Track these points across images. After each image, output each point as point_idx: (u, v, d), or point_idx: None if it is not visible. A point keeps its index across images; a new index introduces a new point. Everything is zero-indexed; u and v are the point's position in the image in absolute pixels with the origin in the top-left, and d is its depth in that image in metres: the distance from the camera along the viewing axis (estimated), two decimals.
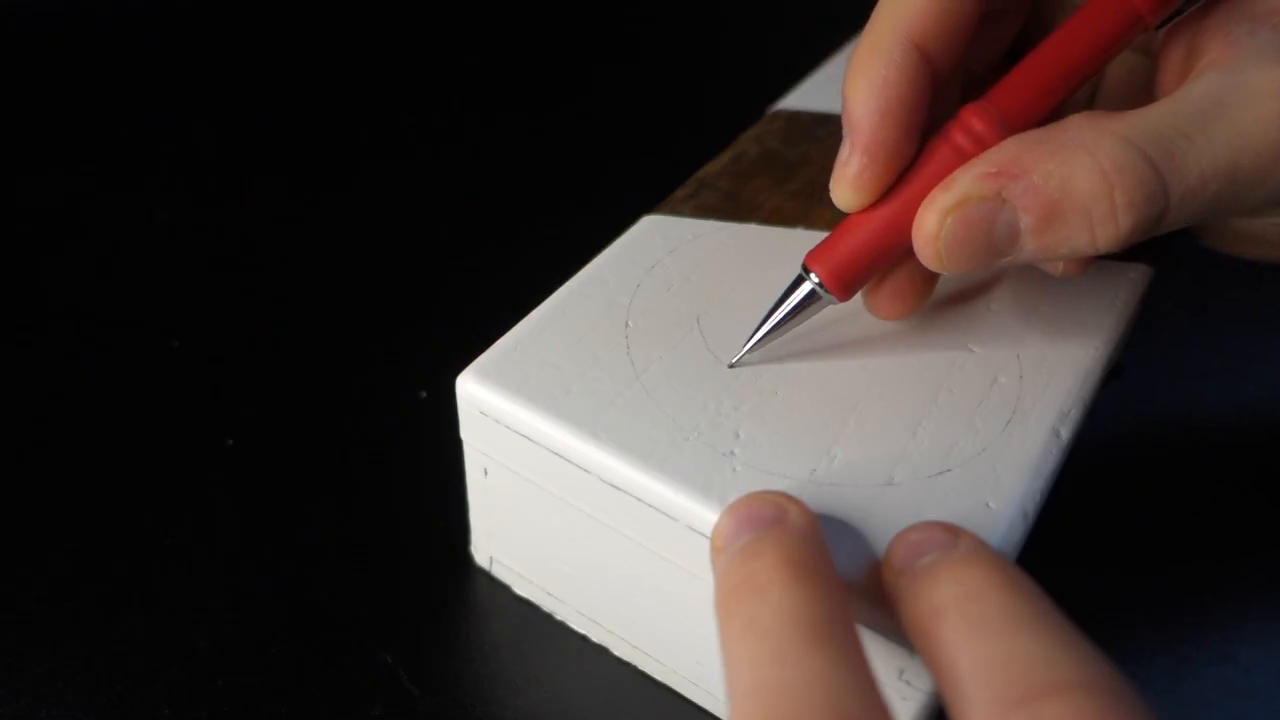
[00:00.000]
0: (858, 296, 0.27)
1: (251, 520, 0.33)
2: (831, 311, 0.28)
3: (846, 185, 0.25)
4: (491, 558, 0.31)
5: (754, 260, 0.30)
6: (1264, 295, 0.44)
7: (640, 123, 0.51)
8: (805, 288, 0.26)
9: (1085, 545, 0.33)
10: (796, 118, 0.36)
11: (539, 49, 0.56)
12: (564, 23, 0.58)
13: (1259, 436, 0.38)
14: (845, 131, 0.25)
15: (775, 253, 0.30)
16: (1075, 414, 0.26)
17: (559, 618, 0.30)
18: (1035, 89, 0.25)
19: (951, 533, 0.21)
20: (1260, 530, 0.35)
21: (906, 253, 0.25)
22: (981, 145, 0.24)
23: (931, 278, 0.27)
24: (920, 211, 0.24)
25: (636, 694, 0.29)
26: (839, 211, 0.31)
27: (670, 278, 0.29)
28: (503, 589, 0.31)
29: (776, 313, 0.26)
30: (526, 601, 0.31)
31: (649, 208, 0.31)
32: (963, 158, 0.24)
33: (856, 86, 0.25)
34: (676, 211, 0.31)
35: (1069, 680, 0.17)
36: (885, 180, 0.25)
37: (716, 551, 0.22)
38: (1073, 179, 0.23)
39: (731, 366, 0.27)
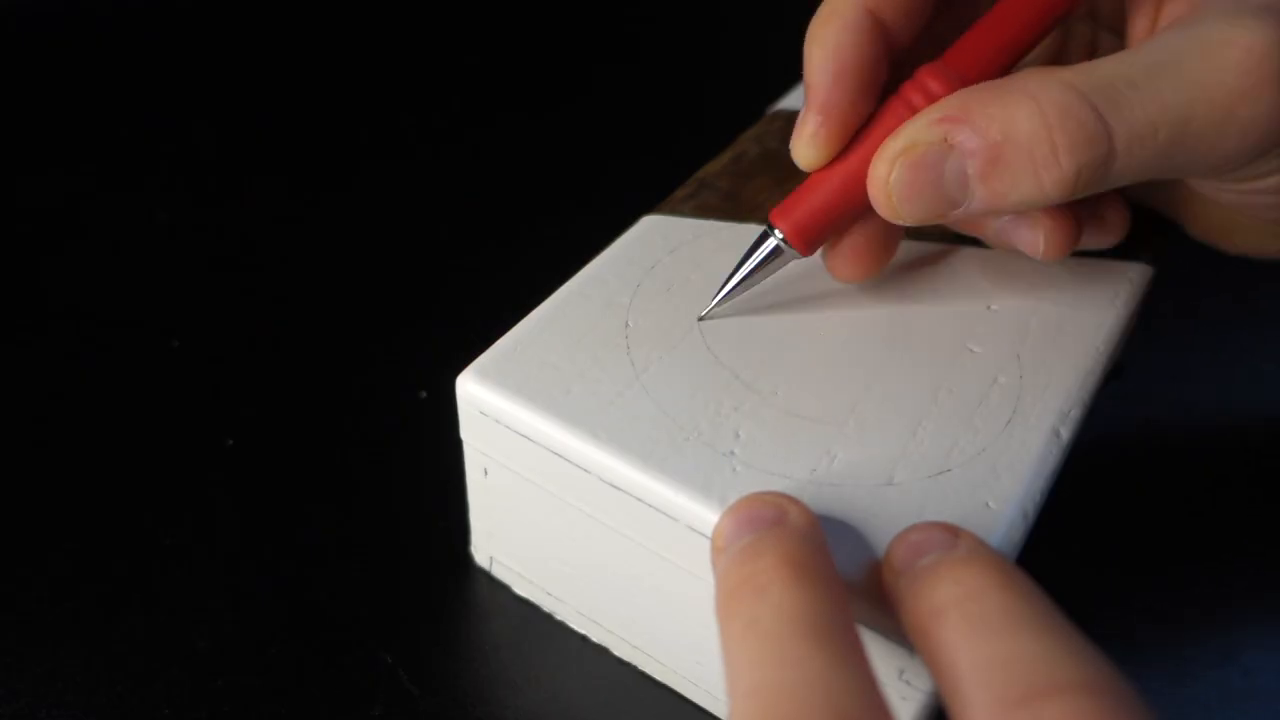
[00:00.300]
0: (848, 292, 0.28)
1: (251, 520, 0.33)
2: (831, 312, 0.28)
3: (804, 143, 0.26)
4: (491, 558, 0.31)
5: None
6: (1264, 295, 0.44)
7: (640, 123, 0.51)
8: (769, 243, 0.27)
9: (1085, 545, 0.33)
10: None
11: (539, 49, 0.56)
12: (564, 23, 0.58)
13: (1259, 436, 0.38)
14: (804, 94, 0.26)
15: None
16: (1075, 414, 0.26)
17: (559, 618, 0.30)
18: (989, 46, 0.26)
19: (951, 533, 0.21)
20: (1261, 530, 0.35)
21: (865, 209, 0.26)
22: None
23: (890, 241, 0.28)
24: (873, 160, 0.25)
25: (636, 694, 0.29)
26: None
27: (670, 278, 0.29)
28: (503, 589, 0.31)
29: (742, 268, 0.27)
30: (526, 601, 0.31)
31: (649, 208, 0.31)
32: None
33: (812, 50, 0.26)
34: (677, 211, 0.31)
35: (1069, 681, 0.17)
36: (840, 138, 0.26)
37: (717, 552, 0.22)
38: (1013, 122, 0.23)
39: (701, 320, 0.28)
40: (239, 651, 0.29)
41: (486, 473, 0.28)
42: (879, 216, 0.25)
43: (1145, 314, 0.32)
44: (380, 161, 0.48)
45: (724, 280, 0.27)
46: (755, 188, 0.32)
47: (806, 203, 0.26)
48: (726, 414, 0.25)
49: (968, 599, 0.19)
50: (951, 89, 0.25)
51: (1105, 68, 0.24)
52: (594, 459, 0.25)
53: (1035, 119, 0.23)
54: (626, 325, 0.27)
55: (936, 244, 0.31)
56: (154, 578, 0.31)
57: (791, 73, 0.38)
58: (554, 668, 0.29)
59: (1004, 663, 0.18)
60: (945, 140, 0.24)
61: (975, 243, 0.31)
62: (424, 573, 0.31)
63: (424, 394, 0.36)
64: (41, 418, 0.35)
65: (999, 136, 0.23)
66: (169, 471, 0.34)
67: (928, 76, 0.25)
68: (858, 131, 0.26)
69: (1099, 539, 0.34)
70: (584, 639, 0.30)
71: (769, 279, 0.28)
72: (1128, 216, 0.29)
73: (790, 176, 0.33)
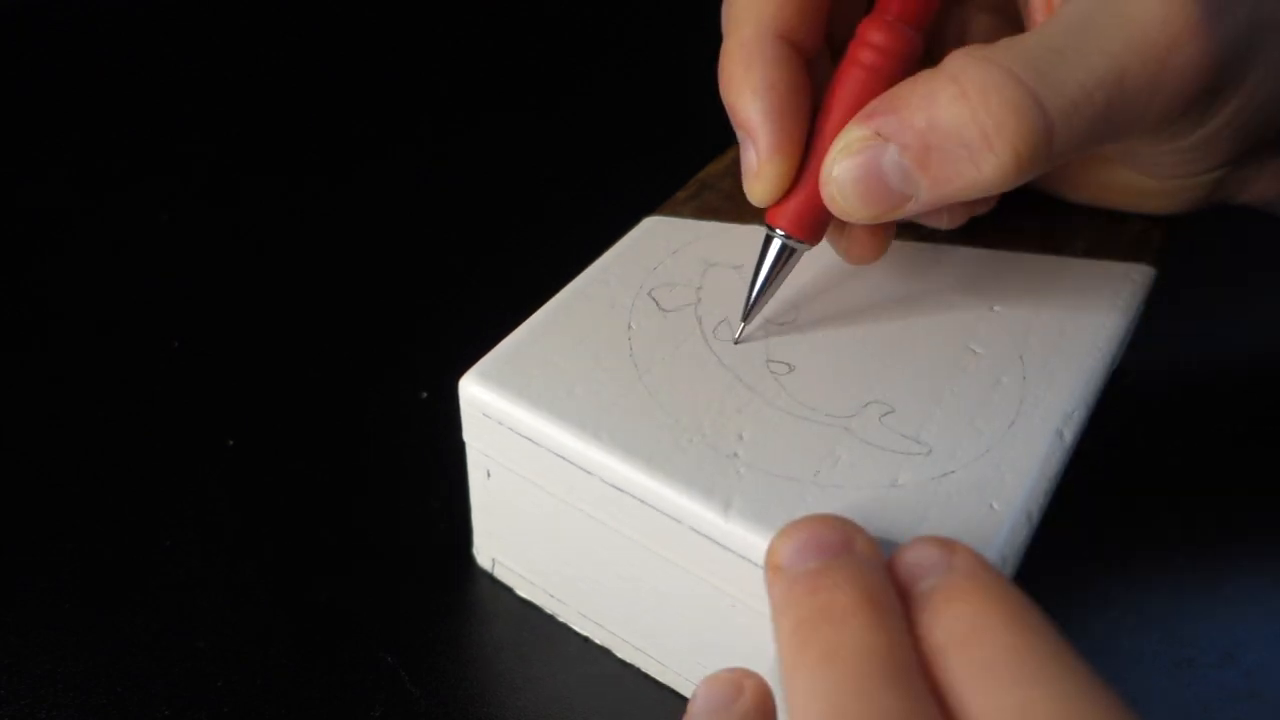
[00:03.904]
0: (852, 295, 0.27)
1: (251, 520, 0.33)
2: (833, 314, 0.28)
3: (763, 185, 0.26)
4: (494, 559, 0.31)
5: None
6: (1266, 296, 0.44)
7: (641, 123, 0.51)
8: (775, 245, 0.27)
9: (1088, 546, 0.33)
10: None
11: (540, 49, 0.56)
12: (564, 22, 0.58)
13: (1261, 438, 0.38)
14: (742, 138, 0.26)
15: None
16: (1079, 415, 0.26)
17: (561, 619, 0.30)
18: None
19: (947, 549, 0.20)
20: (1263, 532, 0.35)
21: None
22: (888, 55, 0.25)
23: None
24: (822, 167, 0.25)
25: (639, 696, 0.29)
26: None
27: (672, 279, 0.29)
28: (505, 591, 0.31)
29: (759, 278, 0.27)
30: (529, 603, 0.31)
31: (650, 209, 0.31)
32: (874, 74, 0.25)
33: (742, 95, 0.26)
34: (678, 213, 0.31)
35: None
36: (794, 169, 0.26)
37: (774, 570, 0.21)
38: (937, 107, 0.23)
39: (737, 343, 0.27)
40: (239, 651, 0.29)
41: (489, 474, 0.28)
42: None
43: (1147, 315, 0.32)
44: (381, 162, 0.48)
45: (747, 298, 0.27)
46: None
47: (796, 194, 0.26)
48: (729, 415, 0.25)
49: (969, 638, 0.19)
50: (893, 34, 0.25)
51: (1028, 40, 0.23)
52: (597, 461, 0.25)
53: (958, 102, 0.22)
54: (629, 327, 0.27)
55: (938, 245, 0.31)
56: (154, 578, 0.31)
57: None
58: (556, 669, 0.29)
59: (1010, 714, 0.17)
60: (877, 134, 0.23)
61: (977, 244, 0.31)
62: (426, 574, 0.31)
63: (425, 395, 0.36)
64: (41, 418, 0.35)
65: (924, 124, 0.23)
66: (169, 471, 0.34)
67: (871, 30, 0.25)
68: (818, 110, 0.26)
69: (1102, 540, 0.34)
70: (586, 640, 0.30)
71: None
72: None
73: None
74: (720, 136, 0.35)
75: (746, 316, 0.27)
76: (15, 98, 0.49)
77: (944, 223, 0.28)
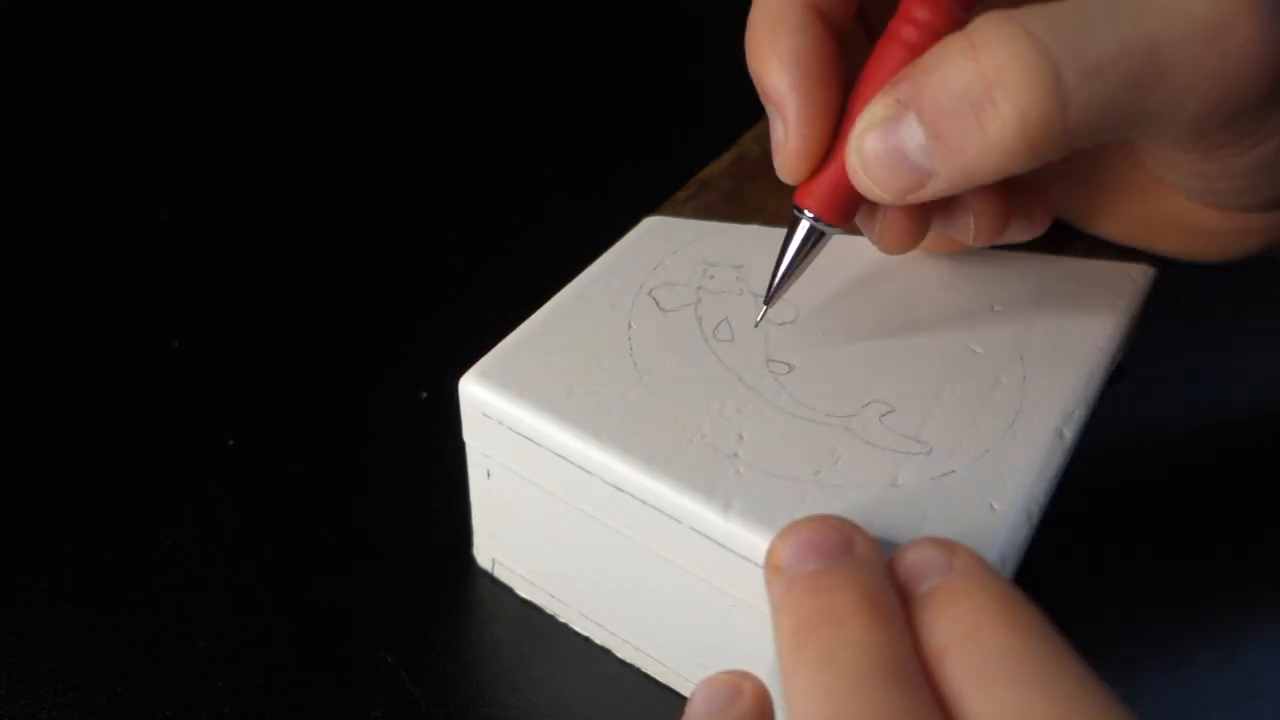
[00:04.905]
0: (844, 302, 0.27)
1: (251, 520, 0.33)
2: (834, 313, 0.28)
3: (793, 160, 0.24)
4: (494, 560, 0.31)
5: (756, 262, 0.30)
6: (1265, 295, 0.44)
7: (640, 123, 0.51)
8: (804, 226, 0.25)
9: (1088, 547, 0.33)
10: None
11: (539, 49, 0.56)
12: (564, 22, 0.58)
13: (1262, 437, 0.38)
14: (771, 112, 0.25)
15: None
16: (1079, 415, 0.26)
17: (561, 620, 0.30)
18: None
19: (947, 551, 0.20)
20: (1263, 532, 0.35)
21: None
22: (932, 33, 0.23)
23: (923, 207, 0.25)
24: (848, 141, 0.23)
25: (639, 696, 0.29)
26: None
27: (673, 279, 0.29)
28: (505, 591, 0.31)
29: (784, 260, 0.26)
30: (529, 603, 0.31)
31: (650, 209, 0.31)
32: (915, 52, 0.23)
33: (769, 64, 0.24)
34: (678, 213, 0.31)
35: None
36: (825, 144, 0.24)
37: (774, 570, 0.21)
38: (949, 66, 0.21)
39: (757, 326, 0.27)
40: (239, 651, 0.29)
41: (489, 474, 0.28)
42: None
43: (1147, 314, 0.32)
44: (382, 162, 0.48)
45: (770, 280, 0.26)
46: (758, 188, 0.32)
47: (825, 173, 0.25)
48: (730, 415, 0.25)
49: (968, 639, 0.18)
50: (939, 10, 0.23)
51: (1059, 4, 0.21)
52: (597, 460, 0.25)
53: (966, 56, 0.21)
54: (629, 327, 0.27)
55: None
56: (154, 578, 0.31)
57: None
58: (556, 669, 0.29)
59: (1008, 714, 0.17)
60: (898, 102, 0.22)
61: None
62: (426, 574, 0.31)
63: (425, 395, 0.36)
64: (42, 418, 0.35)
65: (936, 88, 0.21)
66: (169, 471, 0.34)
67: (913, 4, 0.23)
68: (854, 88, 0.24)
69: (1102, 540, 0.34)
70: (586, 640, 0.30)
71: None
72: (1051, 212, 0.27)
73: None
74: (720, 136, 0.35)
75: (769, 300, 0.26)
76: (15, 98, 0.49)
77: (969, 236, 0.26)
